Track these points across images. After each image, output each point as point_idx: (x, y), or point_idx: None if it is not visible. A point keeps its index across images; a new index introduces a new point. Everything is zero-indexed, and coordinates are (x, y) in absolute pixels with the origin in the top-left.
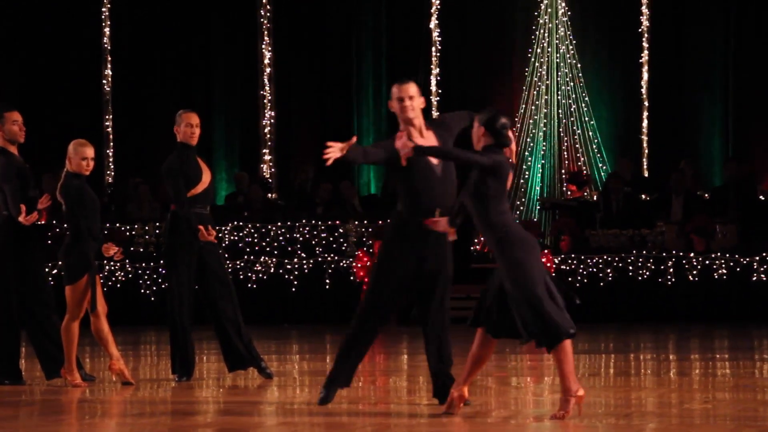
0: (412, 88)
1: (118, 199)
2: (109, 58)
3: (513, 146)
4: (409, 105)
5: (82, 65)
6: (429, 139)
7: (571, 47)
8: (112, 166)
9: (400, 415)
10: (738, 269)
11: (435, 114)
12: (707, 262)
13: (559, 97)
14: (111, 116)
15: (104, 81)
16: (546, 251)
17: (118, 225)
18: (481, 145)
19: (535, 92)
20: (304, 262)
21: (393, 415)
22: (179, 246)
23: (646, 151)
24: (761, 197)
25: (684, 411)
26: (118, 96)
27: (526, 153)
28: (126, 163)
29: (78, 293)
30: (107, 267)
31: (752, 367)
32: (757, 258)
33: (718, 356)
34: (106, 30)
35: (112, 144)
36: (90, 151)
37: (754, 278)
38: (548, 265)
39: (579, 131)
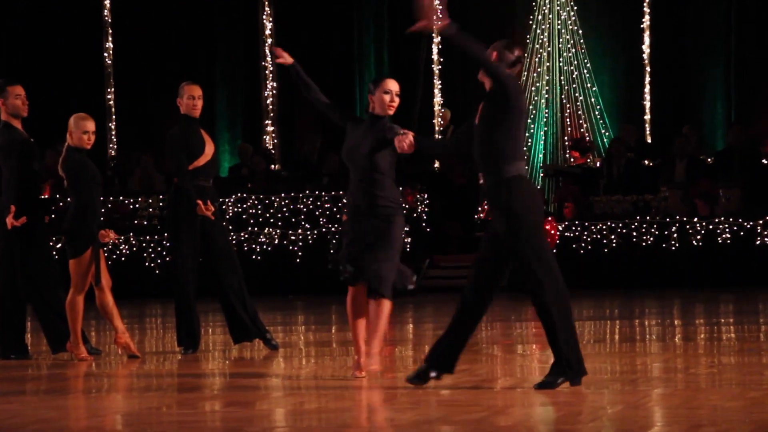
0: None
1: (121, 172)
2: (110, 31)
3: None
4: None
5: (84, 38)
6: None
7: (572, 13)
8: (114, 139)
9: (406, 384)
10: (742, 233)
11: (438, 84)
12: (711, 226)
13: (560, 64)
14: (113, 89)
15: (105, 54)
16: (550, 218)
17: (121, 198)
18: None
19: (536, 59)
20: (308, 233)
21: (400, 384)
22: (182, 219)
23: (649, 116)
24: (765, 161)
25: (689, 376)
26: (119, 69)
27: (529, 120)
28: (128, 136)
29: (82, 267)
30: (115, 238)
31: (757, 331)
32: (761, 222)
33: (722, 321)
34: (107, 2)
35: (114, 117)
36: (91, 125)
37: (758, 242)
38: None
39: (581, 98)
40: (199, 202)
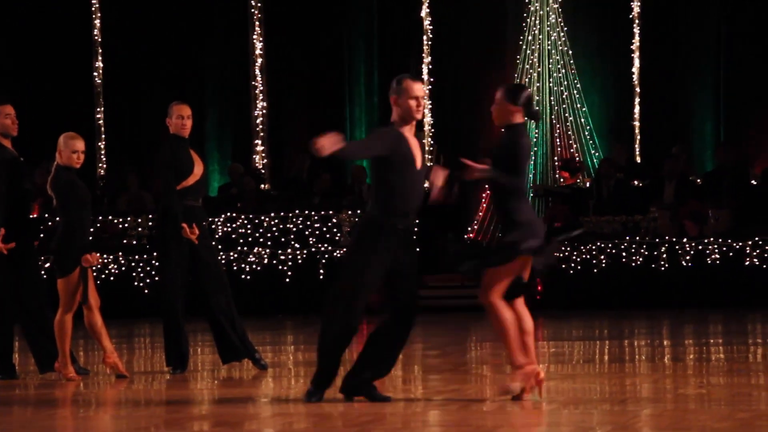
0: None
1: (110, 191)
2: (100, 50)
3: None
4: (422, 105)
5: (73, 57)
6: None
7: (562, 34)
8: (104, 159)
9: (395, 405)
10: (731, 254)
11: (428, 103)
12: (700, 247)
13: (551, 85)
14: (102, 108)
15: (95, 73)
16: None
17: (110, 217)
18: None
19: (527, 79)
20: (298, 252)
21: (388, 404)
22: (171, 238)
23: (638, 137)
24: (753, 182)
25: (679, 396)
26: (109, 88)
27: None
28: (118, 156)
29: (71, 286)
30: (100, 259)
31: (746, 352)
32: (750, 242)
33: (712, 341)
34: (97, 22)
35: (104, 136)
36: (80, 144)
37: (747, 263)
38: None
39: (571, 118)
40: (184, 225)
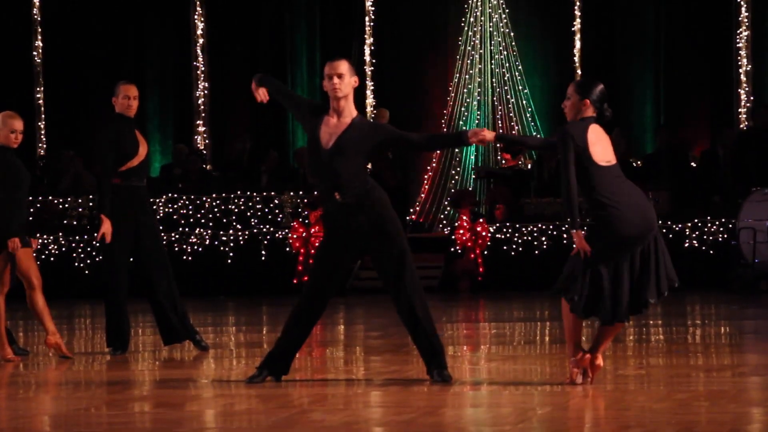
0: (343, 66)
1: (50, 171)
2: (40, 30)
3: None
4: (338, 83)
5: (13, 37)
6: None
7: (504, 16)
8: (44, 138)
9: (336, 386)
10: (671, 236)
11: (370, 84)
12: None
13: (492, 66)
14: (42, 88)
15: (35, 53)
16: (481, 220)
17: (50, 198)
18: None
19: (468, 61)
20: (240, 233)
21: (330, 385)
22: (113, 219)
23: None
24: (693, 164)
25: (618, 377)
26: (49, 67)
27: (461, 122)
28: (58, 135)
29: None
30: (41, 240)
31: (685, 333)
32: (689, 224)
33: (651, 322)
34: (36, 1)
35: (43, 116)
36: (19, 124)
37: (687, 244)
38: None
39: (513, 100)
40: (103, 216)
